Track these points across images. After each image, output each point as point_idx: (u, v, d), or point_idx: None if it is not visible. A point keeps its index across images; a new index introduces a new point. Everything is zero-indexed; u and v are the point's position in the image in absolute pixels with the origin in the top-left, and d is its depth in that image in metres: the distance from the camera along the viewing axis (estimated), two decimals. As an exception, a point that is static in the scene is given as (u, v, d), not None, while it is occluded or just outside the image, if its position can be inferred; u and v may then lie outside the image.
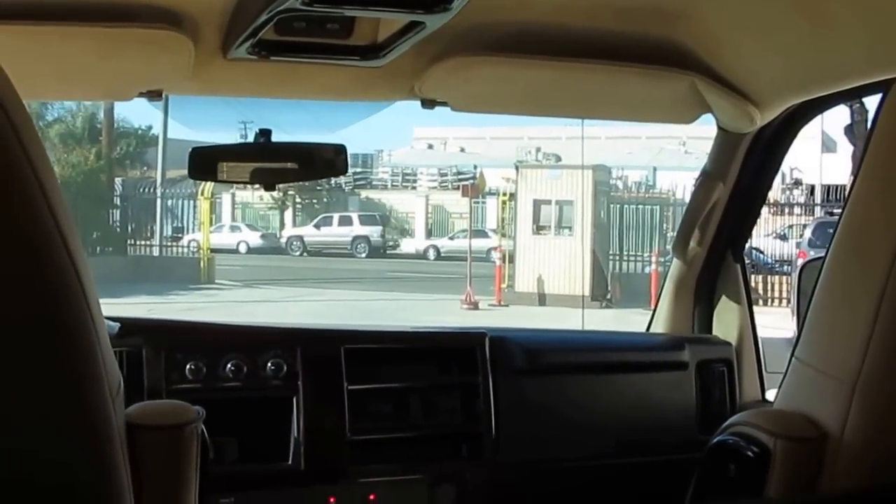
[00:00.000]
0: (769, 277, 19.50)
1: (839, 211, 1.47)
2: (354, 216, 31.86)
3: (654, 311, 3.26)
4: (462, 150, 39.75)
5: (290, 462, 2.56)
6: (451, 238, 30.90)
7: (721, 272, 3.05)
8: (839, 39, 2.08)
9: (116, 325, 2.48)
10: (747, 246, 3.21)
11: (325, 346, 2.67)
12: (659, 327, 3.19)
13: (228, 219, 32.90)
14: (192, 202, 26.21)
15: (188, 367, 2.52)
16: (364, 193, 35.92)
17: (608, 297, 19.09)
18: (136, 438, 1.35)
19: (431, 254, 30.74)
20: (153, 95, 2.56)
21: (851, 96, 2.52)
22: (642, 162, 33.98)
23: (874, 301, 1.31)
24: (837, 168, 26.96)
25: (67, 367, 1.05)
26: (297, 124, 3.80)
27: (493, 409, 2.73)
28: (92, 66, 2.37)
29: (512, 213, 21.51)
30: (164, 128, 26.18)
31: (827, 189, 28.35)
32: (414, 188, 35.75)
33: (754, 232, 3.54)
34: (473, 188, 24.61)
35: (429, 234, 33.04)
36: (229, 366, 2.55)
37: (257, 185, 2.97)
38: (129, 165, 30.59)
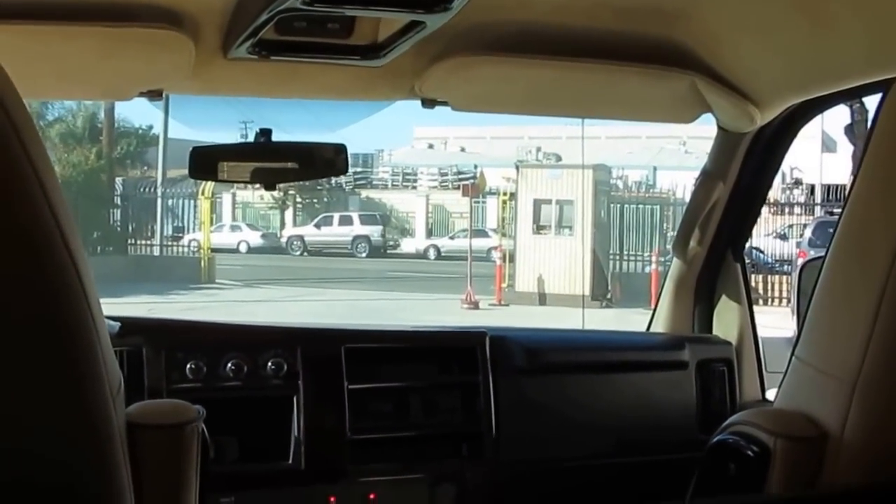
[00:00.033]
0: (769, 277, 19.49)
1: (839, 210, 1.47)
2: (355, 216, 31.85)
3: (655, 310, 3.26)
4: (462, 149, 39.74)
5: (290, 461, 2.57)
6: (452, 238, 30.89)
7: (721, 272, 3.05)
8: (839, 39, 2.08)
9: (117, 324, 2.48)
10: (747, 245, 3.21)
11: (326, 345, 2.67)
12: (659, 327, 3.19)
13: (229, 218, 32.90)
14: (192, 202, 26.22)
15: (188, 366, 2.52)
16: (364, 193, 35.91)
17: (608, 296, 19.09)
18: (137, 438, 1.35)
19: (432, 253, 30.73)
20: (153, 95, 2.56)
21: (851, 96, 2.52)
22: (642, 161, 33.97)
23: (874, 300, 1.31)
24: (837, 168, 26.96)
25: (68, 367, 1.05)
26: (297, 124, 3.80)
27: (493, 408, 2.73)
28: (92, 65, 2.37)
29: (512, 212, 21.51)
30: (164, 127, 26.21)
31: (827, 189, 28.34)
32: (414, 188, 35.75)
33: (754, 231, 3.54)
34: (474, 188, 24.60)
35: (429, 233, 33.03)
36: (230, 365, 2.55)
37: (258, 185, 2.97)
38: (129, 165, 30.59)
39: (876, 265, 1.31)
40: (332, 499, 2.60)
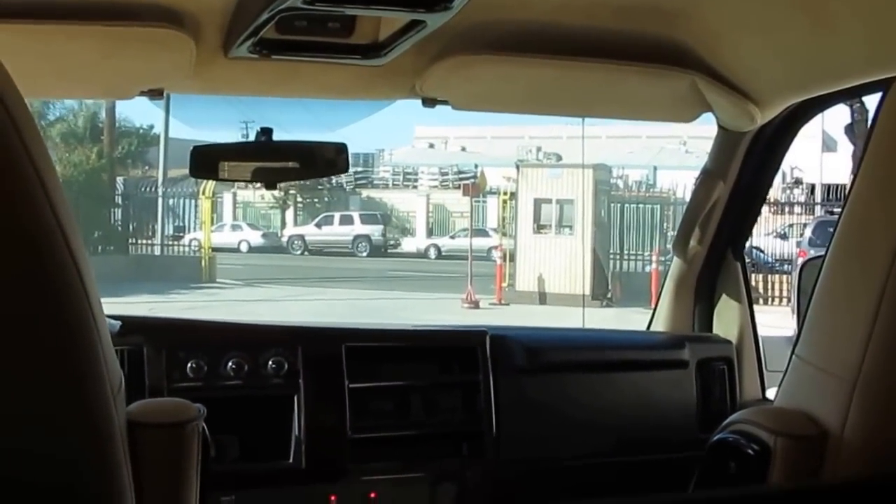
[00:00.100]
0: (769, 276, 19.49)
1: (839, 210, 1.47)
2: (355, 215, 31.86)
3: (655, 309, 3.26)
4: (463, 149, 39.74)
5: (291, 460, 2.57)
6: (452, 237, 30.91)
7: (721, 271, 3.05)
8: (839, 38, 2.08)
9: (118, 323, 2.48)
10: (748, 245, 3.21)
11: (326, 344, 2.67)
12: (659, 326, 3.19)
13: (230, 218, 32.91)
14: (193, 201, 26.22)
15: (189, 365, 2.52)
16: (365, 192, 35.92)
17: (609, 295, 19.09)
18: (138, 436, 1.35)
19: (432, 253, 30.74)
20: (154, 94, 2.56)
21: (851, 95, 2.52)
22: (643, 161, 33.96)
23: (874, 299, 1.31)
24: (838, 167, 26.95)
25: (69, 366, 1.05)
26: (298, 123, 3.80)
27: (493, 407, 2.74)
28: (93, 64, 2.37)
29: (513, 212, 21.51)
30: (165, 127, 26.20)
31: (827, 188, 28.33)
32: (415, 187, 35.75)
33: (754, 231, 3.54)
34: (474, 187, 24.59)
35: (430, 233, 33.04)
36: (230, 364, 2.55)
37: (258, 184, 2.98)
38: (130, 164, 30.61)
39: (876, 264, 1.32)
40: (333, 498, 2.60)
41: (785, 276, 19.28)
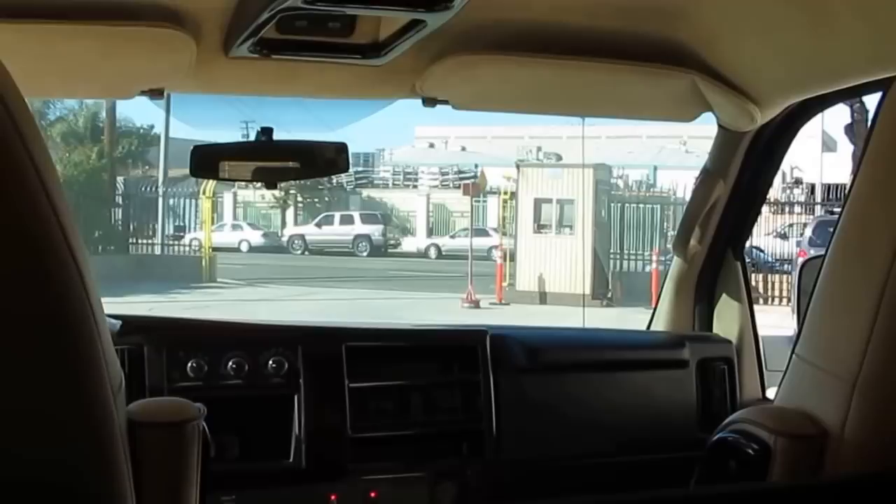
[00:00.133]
0: (769, 276, 19.49)
1: (839, 210, 1.47)
2: (356, 215, 31.87)
3: (655, 309, 3.26)
4: (463, 149, 39.73)
5: (291, 460, 2.57)
6: (453, 237, 30.91)
7: (721, 270, 3.05)
8: (839, 38, 2.08)
9: (118, 322, 2.49)
10: (748, 244, 3.22)
11: (327, 343, 2.67)
12: (660, 325, 3.19)
13: (230, 217, 32.92)
14: (193, 201, 26.25)
15: (189, 365, 2.52)
16: (365, 192, 35.94)
17: (609, 295, 19.08)
18: (138, 436, 1.35)
19: (433, 252, 30.74)
20: (155, 93, 2.56)
21: (851, 95, 2.52)
22: (643, 161, 33.98)
23: (874, 299, 1.31)
24: (838, 167, 26.96)
25: (69, 365, 1.05)
26: (298, 123, 3.80)
27: (493, 406, 2.74)
28: (94, 64, 2.37)
29: (513, 211, 21.50)
30: (165, 126, 26.19)
31: (827, 188, 28.35)
32: (415, 187, 35.75)
33: (755, 230, 3.54)
34: (475, 187, 24.58)
35: (430, 232, 33.04)
36: (231, 364, 2.55)
37: (259, 184, 2.98)
38: (131, 164, 30.64)
39: (876, 264, 1.32)
40: (333, 497, 2.60)
41: (785, 276, 19.28)
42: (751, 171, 2.88)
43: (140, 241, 26.00)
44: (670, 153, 33.94)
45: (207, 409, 1.61)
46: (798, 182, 31.08)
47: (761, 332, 3.06)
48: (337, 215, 31.88)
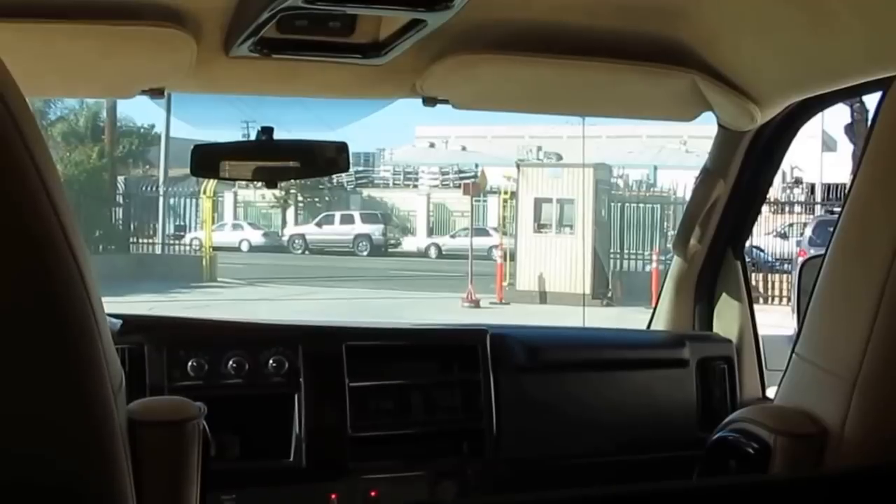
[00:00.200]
0: (769, 276, 19.49)
1: (839, 209, 1.47)
2: (356, 214, 31.86)
3: (655, 308, 3.26)
4: (463, 148, 39.73)
5: (291, 459, 2.57)
6: (453, 236, 30.90)
7: (722, 270, 3.05)
8: (839, 37, 2.08)
9: (119, 322, 2.49)
10: (748, 244, 3.22)
11: (327, 342, 2.68)
12: (660, 325, 3.19)
13: (231, 217, 32.91)
14: (194, 200, 26.26)
15: (190, 364, 2.53)
16: (366, 192, 35.94)
17: (609, 295, 19.07)
18: (138, 435, 1.35)
19: (433, 252, 30.74)
20: (155, 93, 2.56)
21: (851, 94, 2.52)
22: (643, 160, 33.97)
23: (874, 298, 1.31)
24: (837, 167, 26.96)
25: (69, 364, 1.05)
26: (298, 122, 3.80)
27: (494, 406, 2.74)
28: (95, 63, 2.37)
29: (513, 211, 21.50)
30: (166, 126, 26.19)
31: (827, 187, 28.35)
32: (415, 186, 35.75)
33: (755, 230, 3.55)
34: (475, 186, 24.58)
35: (430, 232, 33.04)
36: (231, 363, 2.56)
37: (259, 183, 2.98)
38: (131, 164, 30.66)
39: (876, 263, 1.32)
40: (334, 496, 2.60)
41: (785, 276, 19.28)
42: (751, 171, 2.88)
43: (140, 241, 26.01)
44: (670, 153, 33.93)
45: (208, 409, 1.61)
46: (798, 182, 31.08)
47: (761, 331, 3.06)
48: (337, 215, 31.88)
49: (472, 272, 19.40)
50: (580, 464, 2.81)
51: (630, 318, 10.96)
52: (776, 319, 6.37)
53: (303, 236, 31.45)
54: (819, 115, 2.87)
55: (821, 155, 30.72)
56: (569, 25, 2.34)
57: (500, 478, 2.74)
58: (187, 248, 26.03)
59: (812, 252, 8.13)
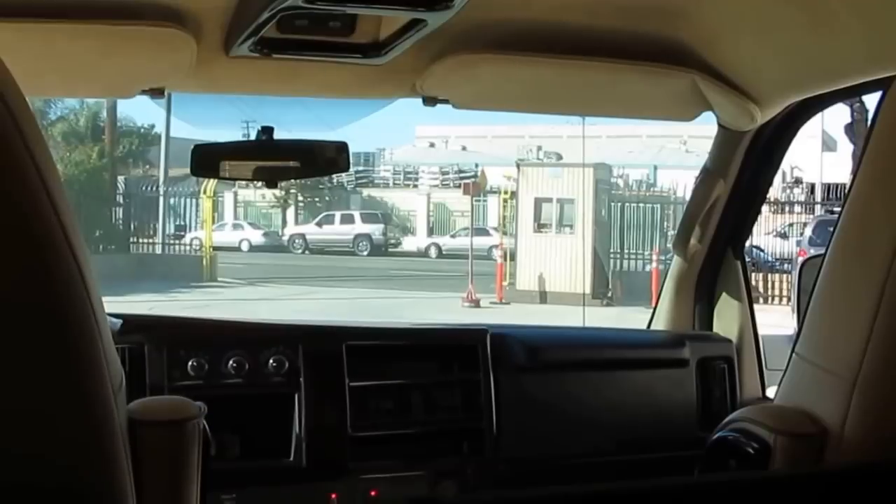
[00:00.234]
0: (769, 275, 19.48)
1: (839, 209, 1.47)
2: (356, 214, 31.87)
3: (655, 308, 3.26)
4: (464, 148, 39.72)
5: (291, 458, 2.57)
6: (453, 236, 30.90)
7: (722, 270, 3.05)
8: (839, 37, 2.08)
9: (119, 321, 2.49)
10: (748, 244, 3.22)
11: (327, 342, 2.68)
12: (660, 324, 3.19)
13: (231, 217, 32.91)
14: (194, 200, 26.26)
15: (190, 363, 2.53)
16: (366, 192, 35.94)
17: (609, 294, 19.07)
18: (138, 434, 1.35)
19: (433, 252, 30.74)
20: (155, 93, 2.56)
21: (851, 94, 2.52)
22: (643, 160, 33.97)
23: (874, 298, 1.31)
24: (837, 166, 26.97)
25: (70, 363, 1.05)
26: (298, 122, 3.81)
27: (494, 405, 2.74)
28: (95, 63, 2.37)
29: (513, 211, 21.50)
30: (166, 126, 26.19)
31: (827, 187, 28.36)
32: (416, 186, 35.75)
33: (755, 230, 3.55)
34: (475, 186, 24.57)
35: (430, 232, 33.04)
36: (231, 362, 2.56)
37: (259, 183, 2.98)
38: (131, 163, 30.66)
39: (876, 263, 1.32)
40: (334, 496, 2.60)
41: (785, 276, 19.27)
42: (751, 171, 2.88)
43: (141, 241, 26.01)
44: (670, 153, 33.93)
45: (208, 408, 1.61)
46: (798, 181, 31.08)
47: (761, 331, 3.06)
48: (337, 214, 31.88)
49: (472, 272, 19.40)
50: (580, 463, 2.81)
51: (630, 318, 10.97)
52: (776, 319, 6.37)
53: (303, 236, 31.46)
54: (819, 115, 2.87)
55: (821, 155, 30.72)
56: (569, 25, 2.34)
57: (500, 477, 2.74)
58: (187, 247, 26.03)
59: (812, 252, 8.13)
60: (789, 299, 13.01)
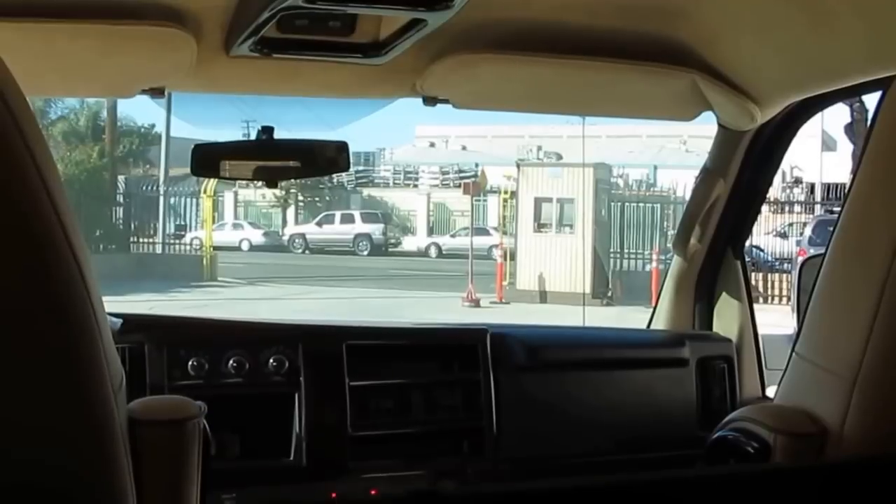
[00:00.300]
0: (769, 275, 19.48)
1: (839, 209, 1.47)
2: (356, 214, 31.86)
3: (655, 308, 3.26)
4: (464, 148, 39.70)
5: (291, 458, 2.57)
6: (453, 236, 30.89)
7: (721, 269, 3.05)
8: (839, 37, 2.08)
9: (119, 321, 2.49)
10: (748, 243, 3.22)
11: (327, 342, 2.68)
12: (660, 324, 3.19)
13: (231, 216, 32.90)
14: (194, 200, 26.25)
15: (190, 363, 2.53)
16: (366, 191, 35.94)
17: (609, 294, 19.08)
18: (138, 434, 1.35)
19: (433, 251, 30.73)
20: (156, 92, 2.56)
21: (851, 94, 2.53)
22: (643, 160, 33.96)
23: (874, 297, 1.32)
24: (837, 166, 26.97)
25: (70, 363, 1.05)
26: (299, 122, 3.81)
27: (494, 405, 2.74)
28: (95, 62, 2.37)
29: (513, 210, 21.50)
30: (166, 125, 26.18)
31: (827, 187, 28.36)
32: (416, 186, 35.75)
33: (754, 230, 3.55)
34: (475, 186, 24.58)
35: (430, 231, 33.02)
36: (231, 362, 2.56)
37: (260, 183, 2.98)
38: (132, 163, 30.66)
39: (876, 262, 1.32)
40: (334, 495, 2.60)
41: (785, 275, 19.27)
42: (751, 171, 2.88)
43: (141, 240, 26.00)
44: (670, 152, 33.91)
45: (208, 408, 1.61)
46: (798, 181, 31.07)
47: (761, 330, 3.07)
48: (338, 214, 31.87)
49: (472, 271, 19.40)
50: (580, 463, 2.81)
51: (630, 318, 10.97)
52: (776, 319, 6.37)
53: (303, 236, 31.45)
54: (819, 115, 2.87)
55: (820, 154, 30.72)
56: (569, 25, 2.34)
57: (501, 477, 2.74)
58: (188, 247, 26.01)
59: (812, 251, 8.13)
60: (789, 299, 13.01)
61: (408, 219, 34.36)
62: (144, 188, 26.84)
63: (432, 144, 40.81)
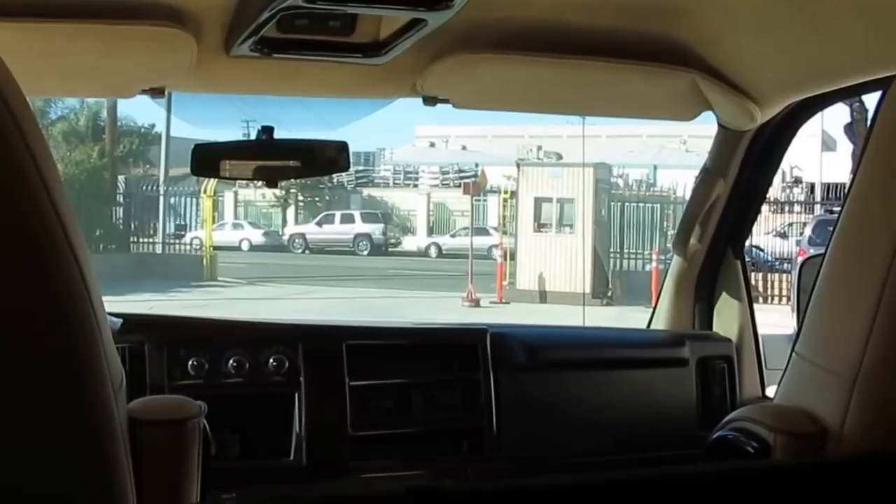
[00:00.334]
0: (769, 275, 19.49)
1: (839, 209, 1.47)
2: (356, 214, 31.86)
3: (655, 307, 3.26)
4: (464, 148, 39.69)
5: (291, 458, 2.57)
6: (453, 236, 30.89)
7: (721, 269, 3.05)
8: (839, 36, 2.08)
9: (119, 321, 2.49)
10: (747, 243, 3.22)
11: (327, 342, 2.68)
12: (660, 324, 3.19)
13: (231, 216, 32.89)
14: (194, 200, 26.26)
15: (190, 363, 2.53)
16: (366, 191, 35.94)
17: (609, 294, 19.08)
18: (139, 433, 1.35)
19: (433, 251, 30.73)
20: (156, 92, 2.56)
21: (851, 94, 2.53)
22: (643, 160, 33.96)
23: (874, 297, 1.32)
24: (837, 166, 26.97)
25: (70, 363, 1.05)
26: (299, 122, 3.81)
27: (494, 405, 2.74)
28: (95, 62, 2.37)
29: (513, 210, 21.50)
30: (167, 125, 26.18)
31: (827, 187, 28.36)
32: (416, 186, 35.75)
33: (754, 230, 3.55)
34: (475, 186, 24.58)
35: (430, 231, 33.02)
36: (231, 362, 2.56)
37: (260, 183, 2.98)
38: (132, 163, 30.66)
39: (875, 262, 1.32)
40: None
41: (785, 275, 19.27)
42: (751, 170, 2.88)
43: (141, 240, 26.00)
44: (670, 152, 33.91)
45: (208, 407, 1.61)
46: (798, 181, 31.07)
47: (761, 330, 3.07)
48: (338, 214, 31.87)
49: (472, 271, 19.41)
50: (580, 462, 2.81)
51: (630, 318, 10.96)
52: (775, 319, 6.37)
53: (303, 235, 31.45)
54: (819, 115, 2.87)
55: (820, 154, 30.73)
56: (569, 25, 2.34)
57: (501, 476, 2.74)
58: (188, 247, 26.01)
59: (812, 251, 8.14)
60: (789, 299, 13.01)
61: (408, 219, 34.36)
62: (144, 188, 26.84)
63: (432, 144, 40.80)
